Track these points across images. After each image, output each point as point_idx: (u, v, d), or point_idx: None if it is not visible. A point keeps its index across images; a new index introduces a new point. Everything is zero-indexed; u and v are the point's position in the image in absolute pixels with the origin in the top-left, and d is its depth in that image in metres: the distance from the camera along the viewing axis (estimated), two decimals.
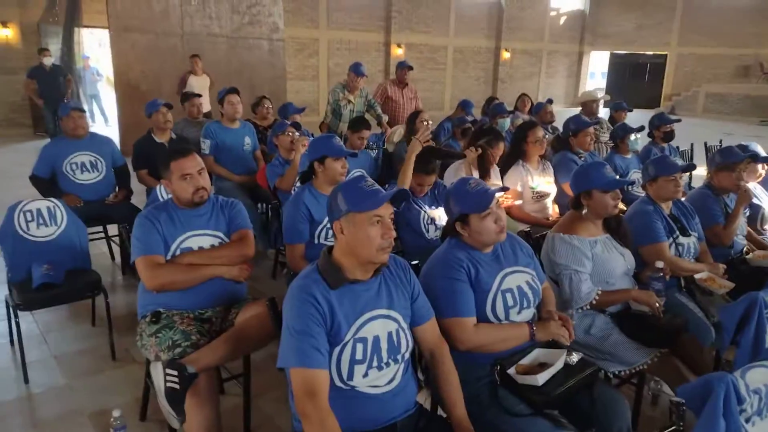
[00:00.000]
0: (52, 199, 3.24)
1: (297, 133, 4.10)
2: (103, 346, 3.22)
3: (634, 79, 21.90)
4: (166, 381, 1.86)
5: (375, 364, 1.62)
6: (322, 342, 1.55)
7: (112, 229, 4.48)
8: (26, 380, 2.85)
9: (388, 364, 1.65)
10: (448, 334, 1.85)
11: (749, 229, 3.24)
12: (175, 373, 1.89)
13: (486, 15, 18.11)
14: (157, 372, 1.88)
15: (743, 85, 18.49)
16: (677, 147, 5.05)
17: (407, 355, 1.72)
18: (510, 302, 1.94)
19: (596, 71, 23.68)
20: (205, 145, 4.74)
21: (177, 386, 1.86)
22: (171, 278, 2.23)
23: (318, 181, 2.81)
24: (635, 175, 4.27)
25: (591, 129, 4.04)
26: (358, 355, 1.60)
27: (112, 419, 2.29)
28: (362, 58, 15.78)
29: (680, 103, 19.25)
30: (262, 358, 2.74)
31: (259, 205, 4.86)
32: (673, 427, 1.26)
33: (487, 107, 6.78)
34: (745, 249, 3.11)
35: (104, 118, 12.94)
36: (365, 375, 1.61)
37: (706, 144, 5.90)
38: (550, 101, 5.82)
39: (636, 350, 2.26)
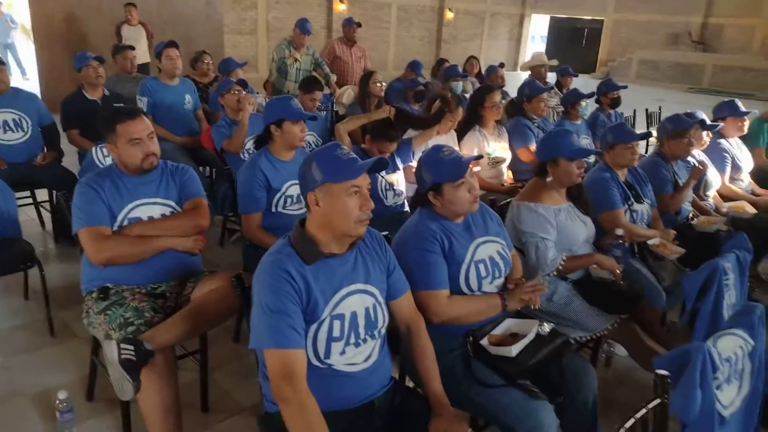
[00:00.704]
0: None
1: (244, 92, 3.88)
2: (39, 321, 3.00)
3: (572, 44, 22.30)
4: (120, 354, 1.73)
5: (352, 340, 1.56)
6: (299, 321, 1.46)
7: (41, 194, 4.15)
8: None
9: (365, 341, 1.59)
10: (421, 307, 1.80)
11: (693, 195, 3.36)
12: (131, 347, 1.76)
13: None
14: (111, 349, 1.73)
15: (674, 52, 19.22)
16: (622, 113, 5.16)
17: (383, 331, 1.66)
18: (483, 273, 1.92)
19: (536, 35, 23.93)
20: (142, 103, 4.41)
21: (133, 358, 1.73)
22: (119, 251, 2.06)
23: (275, 145, 2.66)
24: (584, 140, 4.34)
25: (545, 94, 4.04)
26: (335, 332, 1.53)
27: (57, 401, 2.15)
28: (303, 13, 15.17)
29: (615, 69, 19.82)
30: (214, 330, 2.63)
31: (204, 169, 4.62)
32: (658, 400, 1.27)
33: (438, 69, 6.70)
34: (690, 215, 3.23)
35: (21, 71, 11.93)
36: (342, 352, 1.55)
37: (647, 110, 6.08)
38: (501, 65, 5.80)
39: (597, 316, 2.31)
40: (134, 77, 5.08)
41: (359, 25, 6.39)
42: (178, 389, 1.95)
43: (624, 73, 19.21)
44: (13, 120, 3.73)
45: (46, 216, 4.24)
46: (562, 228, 2.36)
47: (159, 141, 4.20)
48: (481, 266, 1.92)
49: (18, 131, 3.74)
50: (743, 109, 3.77)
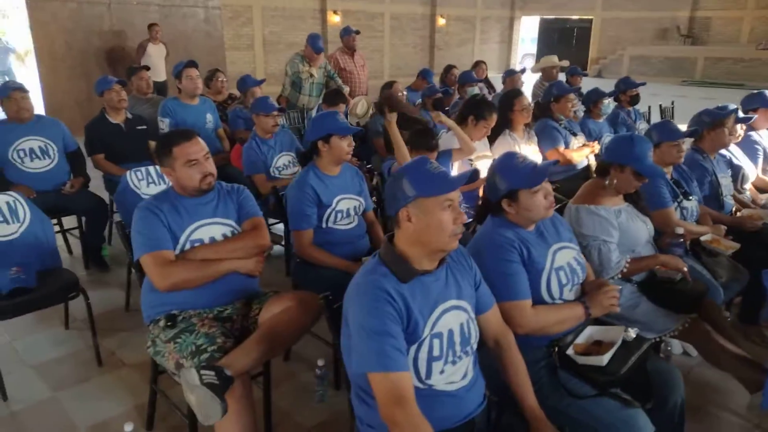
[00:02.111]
0: (11, 192, 2.87)
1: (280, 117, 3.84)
2: (83, 351, 2.95)
3: (563, 44, 22.42)
4: (203, 379, 1.67)
5: (450, 358, 1.52)
6: (402, 342, 1.42)
7: (67, 221, 4.09)
8: (4, 397, 2.54)
9: (460, 358, 1.55)
10: (506, 319, 1.77)
11: (734, 190, 3.35)
12: (212, 372, 1.71)
13: None
14: (191, 375, 1.68)
15: (663, 47, 19.35)
16: (638, 110, 5.16)
17: (475, 346, 1.62)
18: (563, 280, 1.88)
19: (526, 37, 24.06)
20: (164, 124, 4.39)
21: (216, 381, 1.68)
22: (185, 276, 2.01)
23: (322, 161, 2.63)
24: (607, 138, 4.33)
25: (572, 95, 4.03)
26: (436, 352, 1.49)
27: None
28: (298, 26, 15.25)
29: (607, 66, 19.93)
30: None
31: None
32: None
33: (446, 75, 6.69)
34: (734, 209, 3.21)
35: None
36: (442, 372, 1.51)
37: (661, 106, 6.10)
38: (523, 70, 5.90)
39: (666, 317, 2.28)
40: (149, 99, 5.04)
41: (358, 32, 6.39)
42: (255, 419, 1.90)
43: (616, 70, 19.29)
44: (39, 147, 3.68)
45: (74, 242, 4.19)
46: (624, 229, 2.33)
47: None
48: (561, 273, 1.89)
49: (45, 158, 3.70)
50: None
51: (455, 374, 1.54)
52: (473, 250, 1.90)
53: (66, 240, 4.21)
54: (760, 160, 3.72)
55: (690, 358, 2.83)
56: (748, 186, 3.53)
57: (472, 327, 1.60)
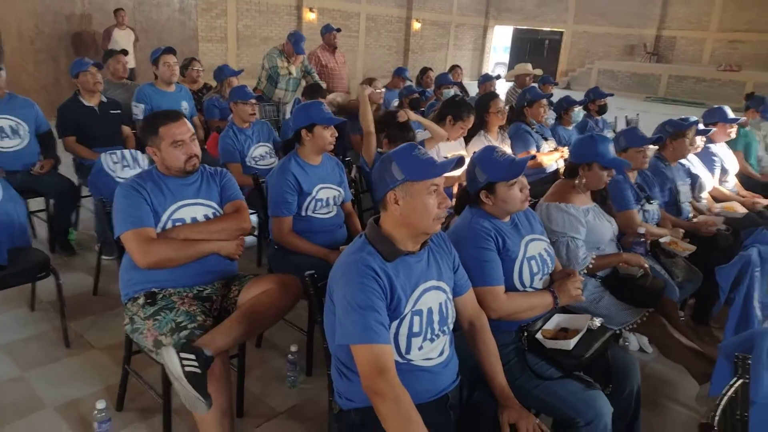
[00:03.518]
0: None
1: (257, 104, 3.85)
2: (50, 332, 2.92)
3: (534, 55, 22.89)
4: (183, 366, 1.70)
5: (429, 335, 1.60)
6: (385, 317, 1.49)
7: (33, 204, 4.01)
8: None
9: (438, 336, 1.63)
10: (480, 303, 1.85)
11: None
12: (193, 356, 1.74)
13: None
14: (171, 360, 1.71)
15: (630, 63, 20.00)
16: (606, 119, 5.37)
17: (451, 326, 1.70)
18: (535, 269, 1.98)
19: (498, 46, 24.49)
20: (138, 109, 4.35)
21: (198, 370, 1.71)
22: (167, 254, 2.03)
23: (305, 150, 2.67)
24: None
25: (544, 101, 4.17)
26: (416, 328, 1.57)
27: (95, 411, 2.11)
28: (273, 22, 15.18)
29: (576, 78, 20.46)
30: None
31: None
32: (741, 380, 1.36)
33: (421, 77, 6.79)
34: (690, 215, 3.39)
35: None
36: (420, 348, 1.58)
37: (626, 117, 6.35)
38: (498, 77, 6.04)
39: (626, 311, 2.41)
40: (123, 84, 4.97)
41: (339, 30, 6.42)
42: (232, 396, 1.94)
43: (584, 82, 19.82)
44: (10, 126, 3.61)
45: (38, 225, 4.11)
46: (591, 228, 2.45)
47: None
48: (533, 263, 1.99)
49: (15, 138, 3.63)
50: (732, 115, 3.98)
51: (433, 351, 1.62)
52: (452, 238, 1.98)
53: (30, 222, 4.11)
54: (717, 171, 3.93)
55: (645, 354, 2.98)
56: (704, 195, 3.73)
57: (450, 307, 1.68)
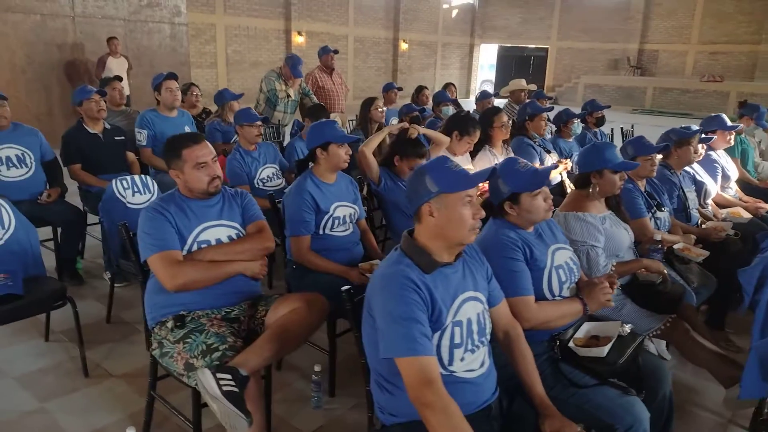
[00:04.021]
0: None
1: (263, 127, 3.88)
2: (66, 362, 2.87)
3: (520, 72, 23.24)
4: (221, 386, 1.69)
5: (469, 347, 1.60)
6: (428, 328, 1.50)
7: (40, 233, 3.96)
8: None
9: (477, 347, 1.63)
10: (512, 313, 1.86)
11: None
12: (229, 376, 1.72)
13: (383, 5, 18.27)
14: (207, 380, 1.70)
15: (616, 77, 20.38)
16: (603, 131, 5.45)
17: (489, 337, 1.71)
18: (563, 278, 2.00)
19: (485, 64, 24.83)
20: (142, 135, 4.35)
21: (236, 389, 1.70)
22: (195, 276, 2.02)
23: (320, 168, 2.69)
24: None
25: (545, 114, 4.24)
26: (457, 339, 1.57)
27: None
28: (262, 46, 15.31)
29: (562, 93, 20.76)
30: None
31: None
32: None
33: (417, 96, 6.86)
34: (699, 221, 3.44)
35: None
36: (462, 359, 1.59)
37: (622, 129, 6.45)
38: (497, 94, 6.10)
39: (649, 317, 2.43)
40: (122, 111, 4.98)
41: (336, 51, 6.49)
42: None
43: (571, 97, 20.14)
44: (16, 156, 3.60)
45: (45, 254, 4.06)
46: (610, 235, 2.47)
47: (160, 174, 4.20)
48: (561, 271, 2.00)
49: (22, 167, 3.62)
50: (730, 123, 4.06)
51: (474, 362, 1.62)
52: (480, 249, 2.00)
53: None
54: (719, 178, 3.99)
55: (664, 360, 2.98)
56: (709, 201, 3.78)
57: (487, 317, 1.68)
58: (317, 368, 2.56)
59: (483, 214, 1.60)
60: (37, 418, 2.43)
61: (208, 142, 2.17)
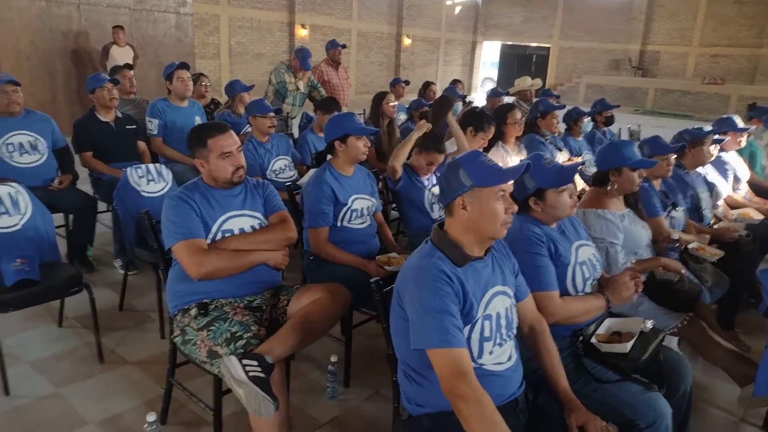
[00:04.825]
0: (13, 183, 2.80)
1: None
2: (80, 348, 2.88)
3: (522, 70, 23.19)
4: (247, 372, 1.69)
5: (498, 340, 1.61)
6: (460, 321, 1.51)
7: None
8: (6, 391, 2.46)
9: (505, 341, 1.64)
10: (537, 308, 1.87)
11: None
12: (255, 362, 1.73)
13: (387, 0, 18.21)
14: (234, 366, 1.70)
15: (617, 77, 20.39)
16: (612, 130, 5.47)
17: (515, 331, 1.72)
18: (586, 274, 2.01)
19: (487, 61, 24.82)
20: (153, 125, 4.34)
21: (262, 374, 1.70)
22: (219, 265, 2.03)
23: (338, 161, 2.69)
24: (587, 155, 4.58)
25: (557, 112, 4.24)
26: (486, 332, 1.58)
27: (146, 425, 2.08)
28: (266, 38, 15.26)
29: (564, 92, 20.70)
30: None
31: None
32: None
33: (424, 91, 6.86)
34: (712, 221, 3.46)
35: None
36: (491, 352, 1.60)
37: (630, 129, 6.47)
38: (507, 92, 6.14)
39: (666, 315, 2.44)
40: (132, 100, 4.96)
41: (344, 46, 6.49)
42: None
43: (573, 96, 20.14)
44: (29, 142, 3.59)
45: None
46: (629, 233, 2.49)
47: (171, 163, 4.20)
48: (584, 268, 2.01)
49: (34, 153, 3.60)
50: (742, 125, 4.08)
51: (502, 355, 1.63)
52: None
53: None
54: (731, 179, 4.01)
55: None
56: (720, 202, 3.80)
57: (514, 312, 1.70)
58: (333, 359, 2.57)
59: (515, 208, 1.61)
60: (53, 403, 2.44)
61: (233, 132, 2.18)
